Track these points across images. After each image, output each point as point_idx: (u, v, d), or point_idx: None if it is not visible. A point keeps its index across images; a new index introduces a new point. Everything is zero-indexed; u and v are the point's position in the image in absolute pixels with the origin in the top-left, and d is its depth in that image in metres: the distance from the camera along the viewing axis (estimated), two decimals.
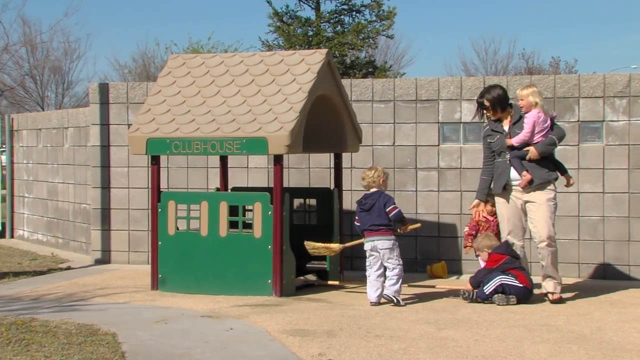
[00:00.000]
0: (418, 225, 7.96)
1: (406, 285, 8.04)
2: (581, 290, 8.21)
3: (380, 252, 7.56)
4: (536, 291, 7.67)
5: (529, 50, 60.03)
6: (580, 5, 63.01)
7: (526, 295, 7.49)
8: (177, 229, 8.16)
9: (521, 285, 7.45)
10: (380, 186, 7.71)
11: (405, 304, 7.50)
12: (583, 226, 9.11)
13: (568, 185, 7.88)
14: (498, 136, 7.74)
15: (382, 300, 7.52)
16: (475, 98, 8.02)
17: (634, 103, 9.03)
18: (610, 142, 9.10)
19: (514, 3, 61.85)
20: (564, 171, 7.84)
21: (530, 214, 7.61)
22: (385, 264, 7.56)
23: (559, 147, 7.93)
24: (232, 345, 5.93)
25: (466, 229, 8.27)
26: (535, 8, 62.40)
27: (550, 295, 7.56)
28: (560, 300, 7.54)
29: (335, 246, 8.09)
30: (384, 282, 7.57)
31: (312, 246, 8.02)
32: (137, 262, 10.24)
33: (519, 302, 7.42)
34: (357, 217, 7.76)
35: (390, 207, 7.56)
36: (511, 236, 7.70)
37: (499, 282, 7.44)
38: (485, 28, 67.50)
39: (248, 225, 8.00)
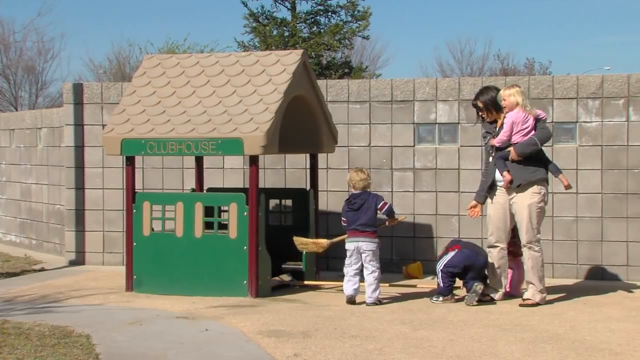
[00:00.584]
0: (404, 217, 8.41)
1: (386, 284, 8.09)
2: (555, 290, 8.27)
3: (363, 253, 7.62)
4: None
5: (504, 52, 60.56)
6: (555, 7, 63.52)
7: (468, 256, 7.63)
8: (152, 229, 8.13)
9: (455, 251, 7.65)
10: (368, 187, 7.84)
11: (385, 302, 7.61)
12: (557, 226, 9.17)
13: (565, 187, 7.71)
14: (489, 137, 7.79)
15: (358, 300, 7.60)
16: (470, 100, 8.06)
17: (606, 104, 9.12)
18: (583, 143, 9.17)
19: (489, 4, 62.25)
20: (557, 172, 7.72)
21: (515, 216, 7.63)
22: (366, 265, 7.62)
23: None
24: (207, 346, 5.91)
25: None
26: (510, 9, 62.85)
27: (525, 300, 7.53)
28: (532, 305, 7.47)
29: (324, 241, 8.11)
30: (360, 279, 7.65)
31: (300, 242, 8.07)
32: (112, 263, 10.18)
33: (465, 271, 7.60)
34: (344, 217, 7.81)
35: (382, 204, 7.72)
36: (493, 237, 7.72)
37: (441, 269, 7.63)
38: (461, 29, 67.94)
39: (224, 226, 7.99)
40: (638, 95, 9.03)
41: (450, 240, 8.38)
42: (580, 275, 9.14)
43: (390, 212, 7.80)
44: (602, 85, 9.13)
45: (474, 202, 7.89)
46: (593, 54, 65.40)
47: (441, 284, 7.67)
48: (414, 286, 8.49)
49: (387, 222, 7.91)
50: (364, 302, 7.52)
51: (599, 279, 9.06)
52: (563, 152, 9.13)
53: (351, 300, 7.57)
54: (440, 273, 7.67)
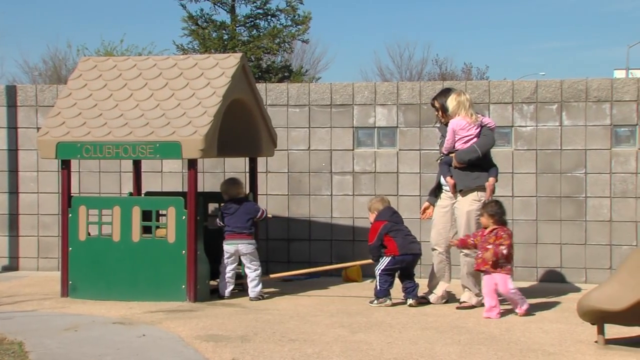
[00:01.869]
0: (273, 215, 8.75)
1: (267, 277, 8.25)
2: None
3: (242, 255, 8.02)
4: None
5: (442, 56, 61.25)
6: (492, 13, 64.55)
7: (405, 260, 7.71)
8: (89, 234, 8.01)
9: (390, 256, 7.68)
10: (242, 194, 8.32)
11: (266, 297, 8.05)
12: None
13: (487, 193, 7.69)
14: (442, 141, 7.86)
15: (253, 298, 7.96)
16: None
17: (541, 109, 9.29)
18: (518, 147, 9.33)
19: (427, 9, 62.96)
20: (493, 174, 7.71)
21: (456, 221, 7.71)
22: (248, 266, 8.04)
23: None
24: (144, 352, 5.84)
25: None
26: (448, 15, 63.65)
27: (461, 303, 7.62)
28: (468, 307, 7.56)
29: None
30: (234, 278, 8.11)
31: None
32: (47, 268, 9.99)
33: (405, 268, 7.72)
34: (220, 221, 8.14)
35: (262, 211, 8.22)
36: (433, 241, 7.80)
37: (380, 273, 7.69)
38: (400, 33, 68.54)
39: (162, 230, 7.91)
40: (571, 101, 9.23)
41: (386, 208, 8.00)
42: (515, 278, 9.23)
43: (264, 216, 8.28)
44: (537, 91, 9.31)
45: (426, 204, 8.01)
46: (529, 60, 66.71)
47: (380, 289, 7.71)
48: (348, 290, 8.52)
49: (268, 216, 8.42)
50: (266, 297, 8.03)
51: (534, 281, 9.22)
52: (499, 156, 9.25)
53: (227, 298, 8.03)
54: (379, 281, 7.70)
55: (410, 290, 7.69)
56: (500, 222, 7.37)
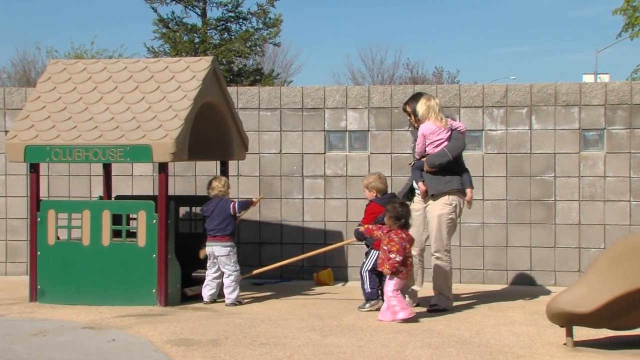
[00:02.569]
0: (262, 196, 8.65)
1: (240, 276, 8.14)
2: (462, 295, 8.44)
3: (217, 258, 7.91)
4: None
5: (413, 60, 61.55)
6: (463, 18, 64.96)
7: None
8: (58, 238, 7.94)
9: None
10: (225, 195, 8.09)
11: (245, 302, 7.93)
12: (464, 232, 9.36)
13: (467, 204, 7.77)
14: (414, 145, 7.88)
15: (228, 304, 7.84)
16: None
17: (510, 113, 9.36)
18: (489, 151, 9.40)
19: (399, 13, 63.23)
20: (467, 185, 7.74)
21: (427, 225, 7.74)
22: (223, 270, 7.91)
23: None
24: (114, 357, 5.80)
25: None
26: (419, 19, 63.97)
27: (432, 306, 7.63)
28: (439, 311, 7.56)
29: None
30: (220, 283, 7.95)
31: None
32: (15, 273, 9.89)
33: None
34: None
35: (232, 204, 7.94)
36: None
37: (368, 274, 7.60)
38: (372, 37, 68.72)
39: (132, 234, 7.87)
40: (540, 105, 9.31)
41: (389, 194, 7.89)
42: (486, 280, 9.35)
43: (242, 206, 8.01)
44: (507, 95, 9.38)
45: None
46: (500, 64, 67.23)
47: (367, 292, 7.59)
48: (320, 294, 8.52)
49: (250, 207, 8.14)
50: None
51: (504, 284, 9.28)
52: (470, 159, 9.30)
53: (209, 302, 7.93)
54: (369, 283, 7.57)
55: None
56: (399, 226, 7.16)
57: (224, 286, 7.88)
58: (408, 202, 7.84)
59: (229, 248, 7.91)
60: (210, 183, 8.14)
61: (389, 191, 7.98)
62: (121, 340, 6.28)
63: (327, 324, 6.98)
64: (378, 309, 7.38)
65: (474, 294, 8.65)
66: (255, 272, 8.50)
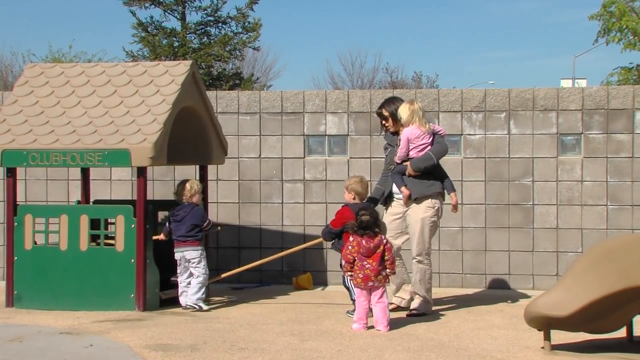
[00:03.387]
0: (219, 229, 8.52)
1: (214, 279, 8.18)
2: (441, 300, 8.46)
3: (188, 261, 7.88)
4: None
5: (393, 65, 61.71)
6: (442, 23, 65.26)
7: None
8: (35, 243, 7.89)
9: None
10: (192, 198, 8.02)
11: (209, 309, 7.82)
12: (443, 236, 9.39)
13: (453, 207, 7.82)
14: (390, 149, 7.88)
15: (188, 307, 7.83)
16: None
17: (489, 117, 9.41)
18: (468, 155, 9.44)
19: (379, 18, 63.40)
20: (450, 190, 7.79)
21: (408, 228, 7.73)
22: (192, 271, 7.90)
23: None
24: None
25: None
26: (399, 24, 64.17)
27: (411, 311, 7.65)
28: (419, 315, 7.57)
29: None
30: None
31: None
32: None
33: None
34: (170, 228, 8.00)
35: (207, 220, 8.04)
36: None
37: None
38: (352, 42, 68.90)
39: (111, 239, 7.82)
40: (518, 109, 9.37)
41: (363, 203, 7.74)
42: (465, 284, 9.38)
43: (210, 226, 8.09)
44: (485, 99, 9.42)
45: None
46: (479, 69, 67.57)
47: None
48: (299, 298, 8.51)
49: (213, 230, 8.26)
50: (205, 310, 7.81)
51: (483, 288, 9.32)
52: (449, 163, 9.34)
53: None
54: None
55: None
56: (360, 234, 6.96)
57: (190, 286, 7.87)
58: (384, 207, 7.85)
59: (199, 251, 7.92)
60: (181, 187, 8.03)
61: (369, 195, 7.93)
62: (99, 346, 6.24)
63: (306, 328, 6.97)
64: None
65: (453, 298, 8.68)
66: (223, 275, 8.49)
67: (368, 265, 6.88)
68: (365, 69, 45.75)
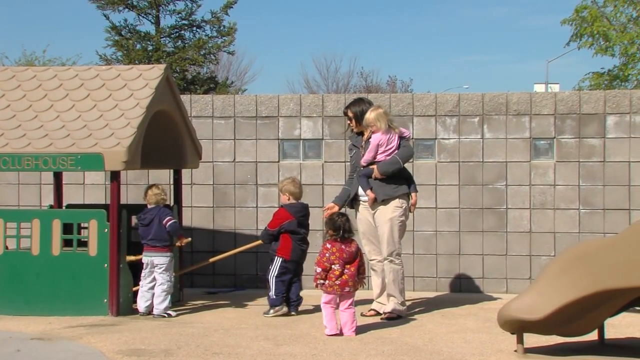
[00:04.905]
0: (189, 239, 8.18)
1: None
2: (415, 303, 8.49)
3: (155, 267, 7.79)
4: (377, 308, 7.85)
5: (367, 69, 61.87)
6: (416, 27, 65.53)
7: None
8: (6, 248, 7.81)
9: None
10: (159, 202, 7.98)
11: (177, 314, 7.76)
12: (417, 240, 9.42)
13: (412, 207, 7.84)
14: (355, 150, 7.90)
15: (155, 316, 7.73)
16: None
17: (463, 122, 9.46)
18: (442, 159, 9.47)
19: (354, 22, 63.55)
20: (413, 190, 7.81)
21: (377, 229, 7.74)
22: (157, 278, 7.80)
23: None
24: None
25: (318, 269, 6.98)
26: (373, 28, 64.36)
27: (385, 314, 7.64)
28: (393, 318, 7.58)
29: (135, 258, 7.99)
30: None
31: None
32: None
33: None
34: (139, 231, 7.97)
35: (167, 219, 7.80)
36: (368, 252, 7.82)
37: (274, 282, 7.70)
38: (327, 46, 69.00)
39: (83, 244, 7.77)
40: (492, 114, 9.42)
41: (300, 204, 7.96)
42: (439, 288, 9.41)
43: (174, 230, 7.85)
44: (459, 104, 9.47)
45: (331, 204, 7.93)
46: (453, 73, 67.90)
47: (272, 295, 7.76)
48: None
49: (175, 243, 7.97)
50: (174, 316, 7.74)
51: (457, 291, 9.36)
52: (423, 167, 9.40)
53: (145, 314, 7.77)
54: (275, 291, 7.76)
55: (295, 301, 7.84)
56: (334, 238, 6.91)
57: (155, 295, 7.76)
58: (351, 209, 7.87)
59: (168, 258, 7.83)
60: (146, 192, 8.00)
61: (303, 197, 8.06)
62: (71, 351, 6.19)
63: (280, 332, 6.96)
64: (283, 315, 7.62)
65: (427, 301, 8.70)
66: (184, 270, 8.51)
67: (347, 271, 6.85)
68: (340, 73, 45.70)
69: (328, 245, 6.90)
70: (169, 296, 7.79)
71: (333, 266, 6.83)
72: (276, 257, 7.80)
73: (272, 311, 7.71)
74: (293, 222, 7.80)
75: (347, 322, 6.86)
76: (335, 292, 6.83)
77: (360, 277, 6.96)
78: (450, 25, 66.29)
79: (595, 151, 9.31)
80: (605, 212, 9.28)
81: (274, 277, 7.75)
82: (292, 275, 7.83)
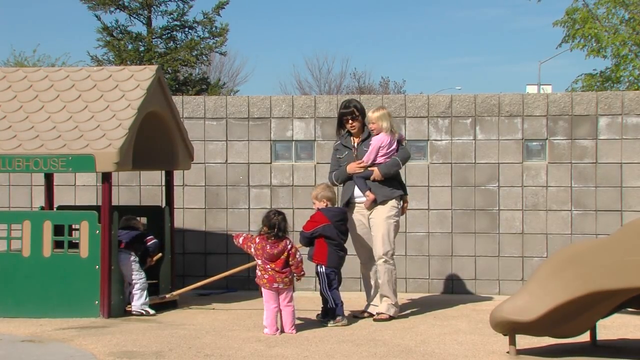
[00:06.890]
0: (160, 255, 8.27)
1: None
2: (408, 304, 8.48)
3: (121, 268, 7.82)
4: (371, 309, 7.84)
5: (360, 70, 61.88)
6: (409, 28, 65.59)
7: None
8: None
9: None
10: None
11: (155, 313, 7.83)
12: (410, 242, 9.41)
13: (402, 210, 7.88)
14: (346, 152, 7.87)
15: (135, 313, 7.81)
16: (339, 111, 7.93)
17: (455, 123, 9.45)
18: (434, 161, 9.47)
19: (347, 23, 63.57)
20: (405, 192, 7.89)
21: (372, 230, 7.74)
22: (129, 280, 7.86)
23: None
24: None
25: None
26: (366, 29, 64.40)
27: (378, 315, 7.63)
28: (386, 320, 7.57)
29: None
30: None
31: None
32: None
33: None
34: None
35: (148, 237, 8.10)
36: (360, 257, 7.85)
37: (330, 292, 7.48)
38: (319, 47, 69.02)
39: (75, 245, 7.74)
40: (484, 115, 9.42)
41: (338, 208, 7.76)
42: (432, 290, 9.41)
43: (154, 249, 8.11)
44: (451, 105, 9.47)
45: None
46: (446, 74, 68.02)
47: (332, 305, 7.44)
48: None
49: (148, 260, 8.13)
50: (152, 314, 7.85)
51: (449, 293, 9.35)
52: (415, 169, 9.39)
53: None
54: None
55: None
56: (267, 235, 7.06)
57: (131, 295, 7.86)
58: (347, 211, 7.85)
59: (132, 257, 7.90)
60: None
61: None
62: (62, 354, 6.16)
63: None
64: (343, 326, 7.31)
65: (420, 303, 8.70)
66: (194, 285, 8.48)
67: (270, 269, 7.03)
68: (332, 74, 45.67)
69: (257, 240, 7.13)
70: (145, 292, 7.88)
71: (258, 260, 7.10)
72: (318, 269, 7.49)
73: (332, 322, 7.34)
74: (329, 227, 7.47)
75: (287, 321, 7.03)
76: (265, 287, 7.03)
77: (295, 275, 7.12)
78: (442, 26, 66.38)
79: (588, 152, 9.32)
80: (597, 213, 9.29)
81: (327, 290, 7.39)
82: (338, 280, 7.51)
